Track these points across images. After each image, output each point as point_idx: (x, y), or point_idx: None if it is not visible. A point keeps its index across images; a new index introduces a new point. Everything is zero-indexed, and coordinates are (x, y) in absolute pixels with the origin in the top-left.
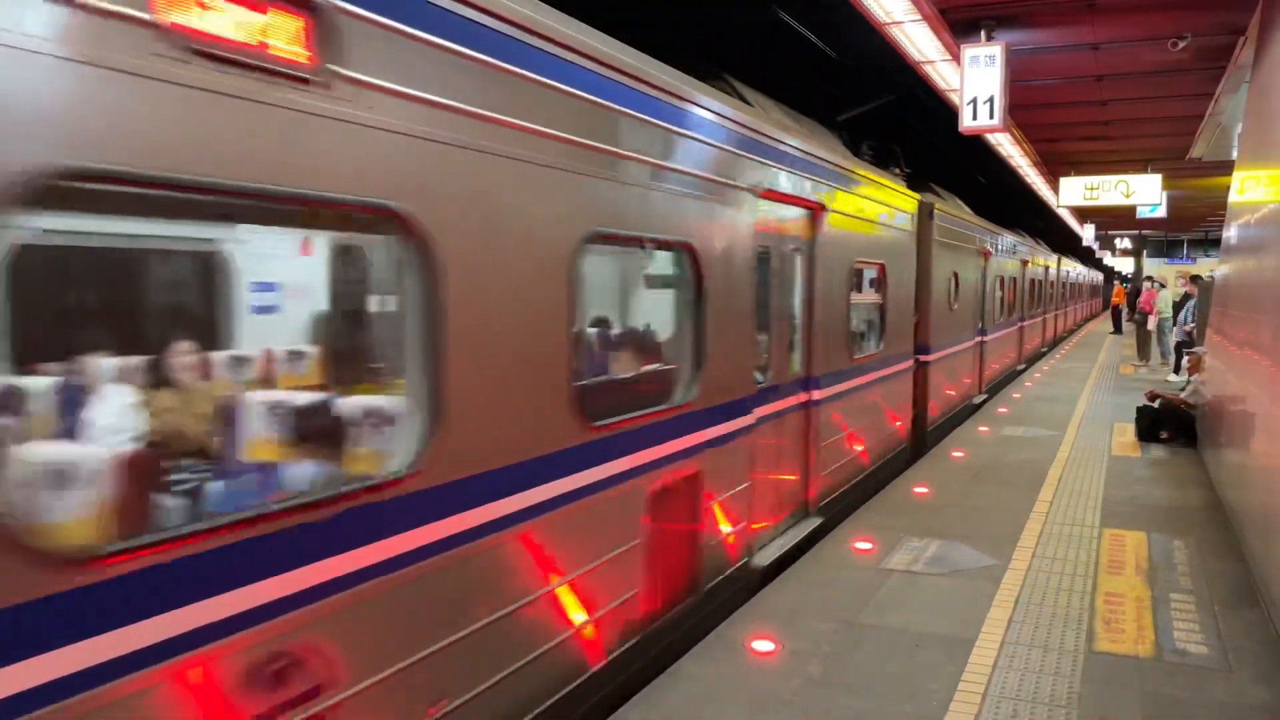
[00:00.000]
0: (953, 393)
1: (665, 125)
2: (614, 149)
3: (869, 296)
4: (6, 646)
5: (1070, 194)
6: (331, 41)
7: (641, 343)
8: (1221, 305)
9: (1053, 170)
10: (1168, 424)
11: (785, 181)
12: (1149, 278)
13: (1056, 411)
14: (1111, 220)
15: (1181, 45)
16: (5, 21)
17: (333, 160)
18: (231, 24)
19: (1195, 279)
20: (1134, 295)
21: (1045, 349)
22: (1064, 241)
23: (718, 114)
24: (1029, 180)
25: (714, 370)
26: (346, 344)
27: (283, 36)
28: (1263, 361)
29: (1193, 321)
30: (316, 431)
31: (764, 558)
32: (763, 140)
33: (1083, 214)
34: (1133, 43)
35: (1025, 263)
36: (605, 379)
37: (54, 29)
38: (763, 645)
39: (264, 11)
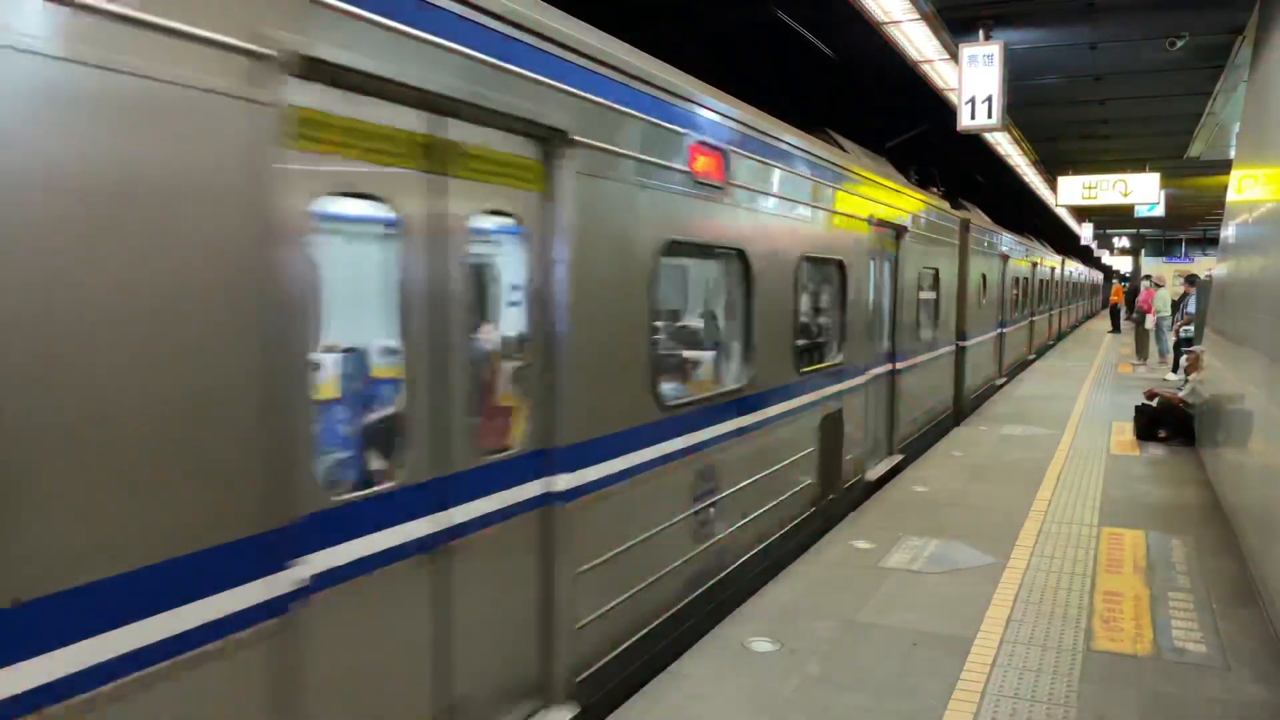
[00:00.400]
0: (982, 373)
1: (840, 188)
2: (820, 206)
3: (928, 294)
4: (647, 441)
5: (1068, 193)
6: (728, 167)
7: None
8: (1220, 303)
9: (1051, 169)
10: (1166, 423)
11: (885, 213)
12: (1147, 276)
13: (1055, 410)
14: (1110, 219)
15: (1179, 44)
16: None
17: (725, 227)
18: (705, 165)
19: (1192, 279)
20: (1132, 294)
21: (1052, 342)
22: (1062, 240)
23: (860, 174)
24: (1027, 179)
25: (850, 342)
26: None
27: (713, 168)
28: (1261, 360)
29: (1180, 319)
30: (670, 368)
31: (871, 475)
32: (883, 186)
33: (1081, 213)
34: (1131, 42)
35: (1035, 265)
36: (802, 342)
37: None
38: (762, 644)
39: (709, 157)
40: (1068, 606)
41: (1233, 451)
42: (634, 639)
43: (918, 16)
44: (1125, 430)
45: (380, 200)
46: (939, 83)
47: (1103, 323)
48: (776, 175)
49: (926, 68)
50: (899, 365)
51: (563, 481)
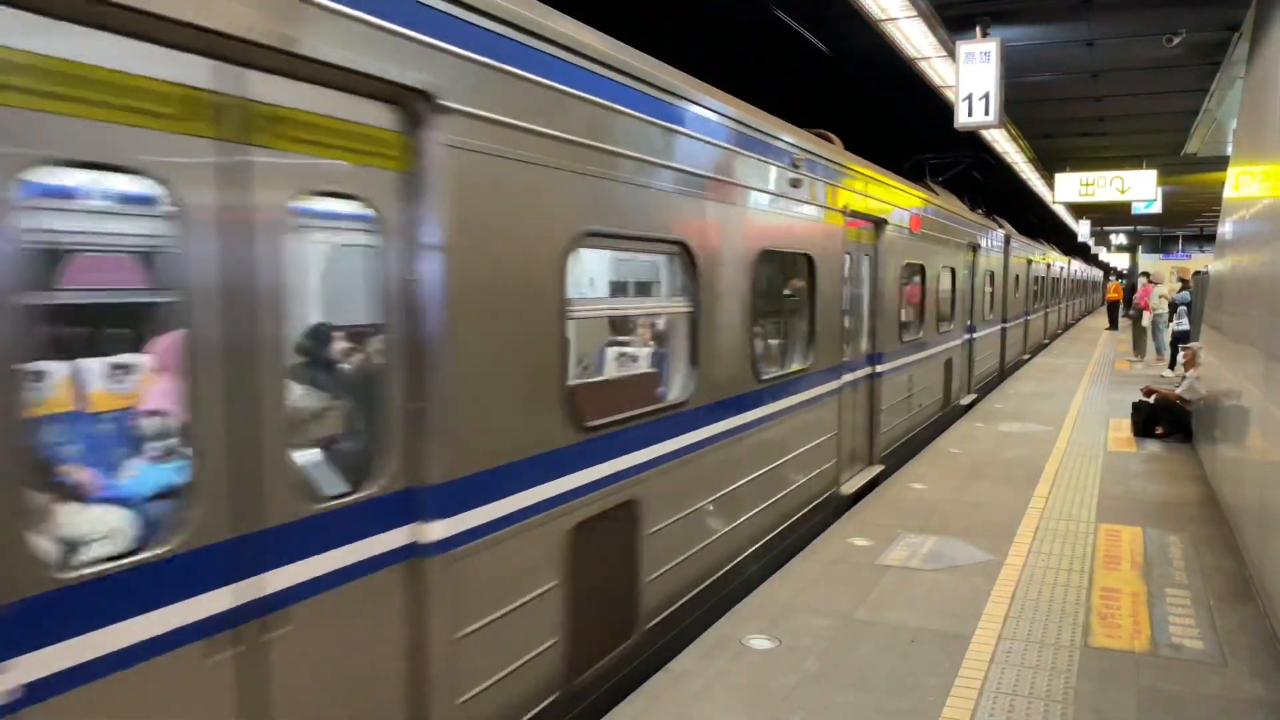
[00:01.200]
0: (1015, 348)
1: (955, 224)
2: (950, 236)
3: (988, 289)
4: (896, 357)
5: (1066, 190)
6: (923, 223)
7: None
8: (1216, 300)
9: (1048, 166)
10: (1163, 419)
11: (971, 237)
12: (1144, 273)
13: (1052, 407)
14: (1107, 216)
15: (1177, 41)
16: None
17: (920, 252)
18: (915, 223)
19: (1196, 274)
20: (1130, 291)
21: (1061, 330)
22: (1060, 237)
23: (960, 214)
24: (1024, 176)
25: (955, 319)
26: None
27: (916, 223)
28: (1258, 357)
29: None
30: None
31: (963, 402)
32: (968, 219)
33: (1078, 210)
34: (1128, 38)
35: (1048, 265)
36: (939, 315)
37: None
38: (760, 641)
39: (916, 218)
40: (1065, 603)
41: (1230, 448)
42: (895, 445)
43: (915, 14)
44: (1122, 427)
45: (849, 254)
46: (936, 80)
47: (1101, 319)
48: (934, 222)
49: (924, 65)
50: (973, 337)
51: (879, 370)
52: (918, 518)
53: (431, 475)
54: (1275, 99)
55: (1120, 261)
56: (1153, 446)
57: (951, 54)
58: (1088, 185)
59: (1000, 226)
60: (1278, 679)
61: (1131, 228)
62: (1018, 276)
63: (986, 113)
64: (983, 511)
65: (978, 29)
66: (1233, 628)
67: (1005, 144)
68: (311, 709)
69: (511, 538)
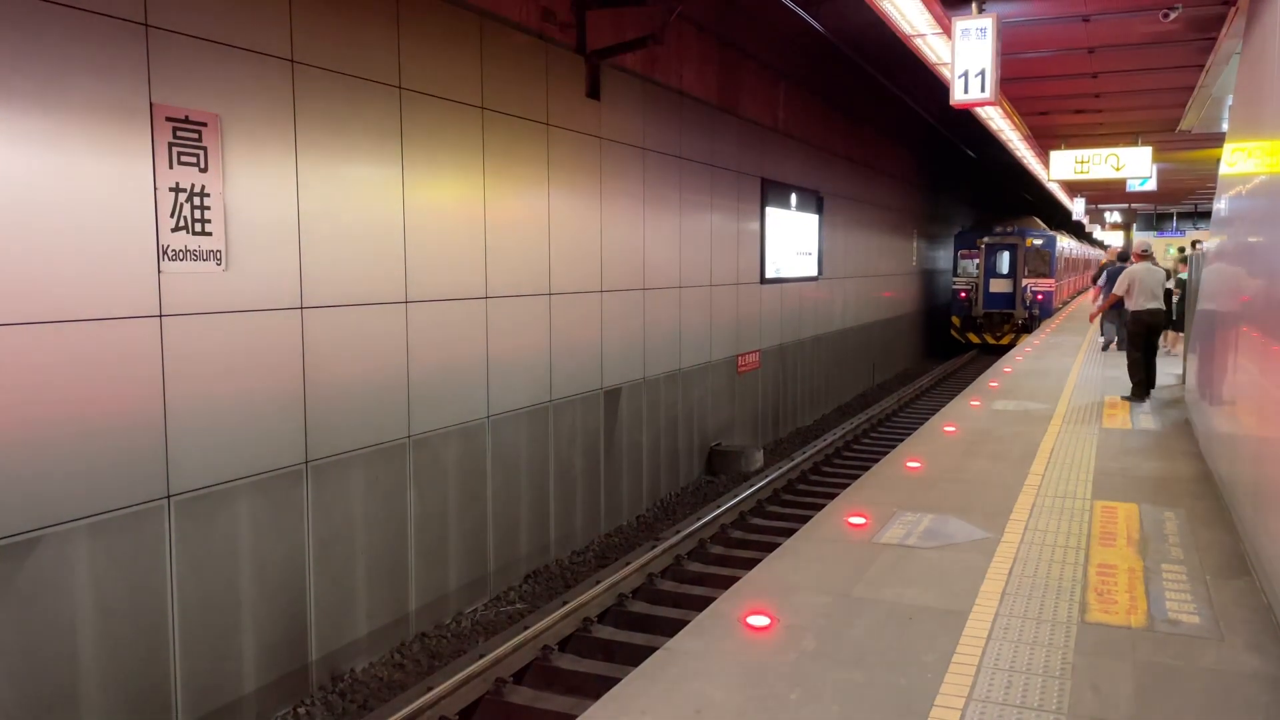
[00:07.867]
0: (1076, 292)
1: (1076, 249)
2: (1079, 257)
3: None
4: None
5: (1061, 167)
6: (1060, 257)
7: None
8: (1213, 276)
9: (1043, 144)
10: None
11: (1081, 252)
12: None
13: (1047, 385)
14: (1102, 194)
15: (1173, 16)
16: None
17: (1086, 257)
18: (1057, 268)
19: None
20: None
21: (1077, 292)
22: (1055, 216)
23: (1082, 244)
24: (1019, 154)
25: (1065, 273)
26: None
27: (1047, 261)
28: (1253, 333)
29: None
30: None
31: (1063, 300)
32: (1073, 246)
33: (1073, 187)
34: (1124, 14)
35: (1087, 251)
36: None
37: None
38: (757, 620)
39: (1066, 263)
40: (1062, 579)
41: (1225, 424)
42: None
43: None
44: (1117, 404)
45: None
46: (931, 57)
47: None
48: (1078, 248)
49: (919, 42)
50: (1069, 280)
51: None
52: (914, 496)
53: None
54: (1272, 73)
55: (1114, 239)
56: (1148, 423)
57: (947, 30)
58: (1083, 163)
59: (1071, 236)
60: (1273, 652)
61: (1126, 205)
62: (1073, 258)
63: (982, 89)
64: (979, 489)
65: (974, 5)
66: (1228, 602)
67: (1000, 121)
68: None
69: None
